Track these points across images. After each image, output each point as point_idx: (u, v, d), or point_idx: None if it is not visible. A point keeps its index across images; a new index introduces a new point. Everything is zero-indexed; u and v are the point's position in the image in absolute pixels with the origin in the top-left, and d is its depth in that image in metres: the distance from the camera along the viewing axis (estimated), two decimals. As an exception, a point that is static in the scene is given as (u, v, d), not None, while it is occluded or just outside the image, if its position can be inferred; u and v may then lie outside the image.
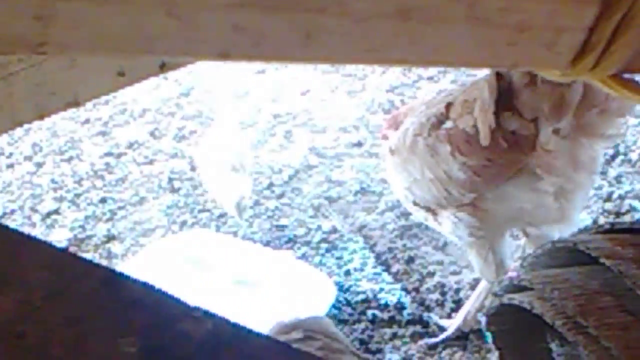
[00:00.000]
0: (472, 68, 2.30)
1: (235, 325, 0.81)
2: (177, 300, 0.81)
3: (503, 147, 2.07)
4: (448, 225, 2.26)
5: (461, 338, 2.44)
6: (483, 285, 2.40)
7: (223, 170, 2.81)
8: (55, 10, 0.76)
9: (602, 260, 1.52)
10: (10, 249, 0.83)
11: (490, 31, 0.90)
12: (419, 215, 2.41)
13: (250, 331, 0.83)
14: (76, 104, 1.54)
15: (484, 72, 2.15)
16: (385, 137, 2.50)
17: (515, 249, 2.43)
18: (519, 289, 1.62)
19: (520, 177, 2.13)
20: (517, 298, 1.59)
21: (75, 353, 0.75)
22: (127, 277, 0.83)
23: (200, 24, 0.80)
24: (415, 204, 2.34)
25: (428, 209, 2.31)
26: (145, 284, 0.82)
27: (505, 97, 2.04)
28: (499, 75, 2.03)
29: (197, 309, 0.80)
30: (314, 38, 0.83)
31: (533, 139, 2.06)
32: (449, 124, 2.17)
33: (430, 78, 3.76)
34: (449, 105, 2.20)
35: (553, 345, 1.70)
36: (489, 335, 1.75)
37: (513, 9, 0.89)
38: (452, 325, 2.46)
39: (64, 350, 0.75)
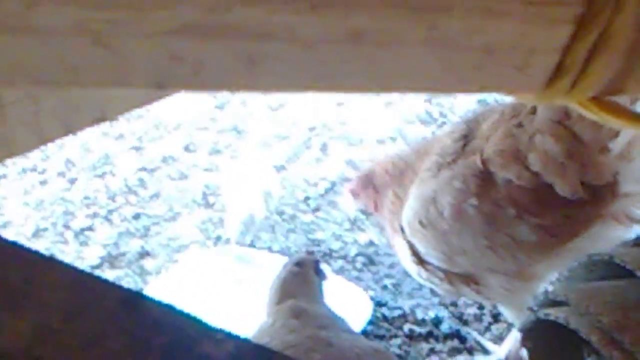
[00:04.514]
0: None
1: (257, 347, 0.78)
2: (198, 322, 0.79)
3: (583, 200, 1.86)
4: (494, 291, 2.06)
5: (500, 353, 2.40)
6: None
7: (245, 192, 2.81)
8: None
9: (638, 273, 1.48)
10: (26, 269, 0.81)
11: (453, 54, 0.85)
12: (444, 287, 2.16)
13: (272, 352, 0.80)
14: (104, 119, 1.52)
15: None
16: (356, 196, 2.35)
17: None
18: (555, 303, 1.59)
19: (594, 228, 1.92)
20: (553, 313, 1.56)
21: (92, 377, 0.73)
22: (147, 298, 0.81)
23: (132, 53, 0.76)
24: (452, 273, 2.11)
25: (468, 278, 2.10)
26: (165, 305, 0.79)
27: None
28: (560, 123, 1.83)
29: (218, 330, 0.78)
30: (258, 65, 0.80)
31: (613, 186, 1.87)
32: (501, 182, 1.94)
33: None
34: (485, 161, 1.97)
35: (589, 361, 1.67)
36: (524, 351, 1.72)
37: (477, 30, 0.85)
38: (495, 354, 2.38)
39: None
